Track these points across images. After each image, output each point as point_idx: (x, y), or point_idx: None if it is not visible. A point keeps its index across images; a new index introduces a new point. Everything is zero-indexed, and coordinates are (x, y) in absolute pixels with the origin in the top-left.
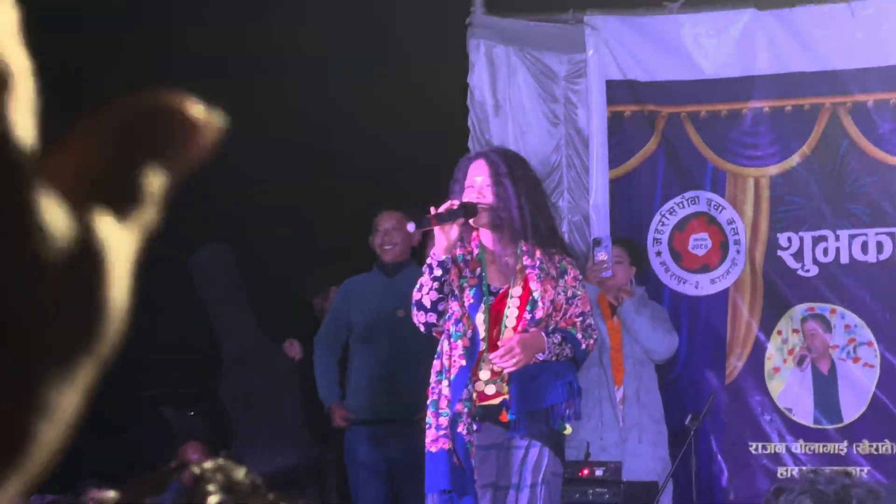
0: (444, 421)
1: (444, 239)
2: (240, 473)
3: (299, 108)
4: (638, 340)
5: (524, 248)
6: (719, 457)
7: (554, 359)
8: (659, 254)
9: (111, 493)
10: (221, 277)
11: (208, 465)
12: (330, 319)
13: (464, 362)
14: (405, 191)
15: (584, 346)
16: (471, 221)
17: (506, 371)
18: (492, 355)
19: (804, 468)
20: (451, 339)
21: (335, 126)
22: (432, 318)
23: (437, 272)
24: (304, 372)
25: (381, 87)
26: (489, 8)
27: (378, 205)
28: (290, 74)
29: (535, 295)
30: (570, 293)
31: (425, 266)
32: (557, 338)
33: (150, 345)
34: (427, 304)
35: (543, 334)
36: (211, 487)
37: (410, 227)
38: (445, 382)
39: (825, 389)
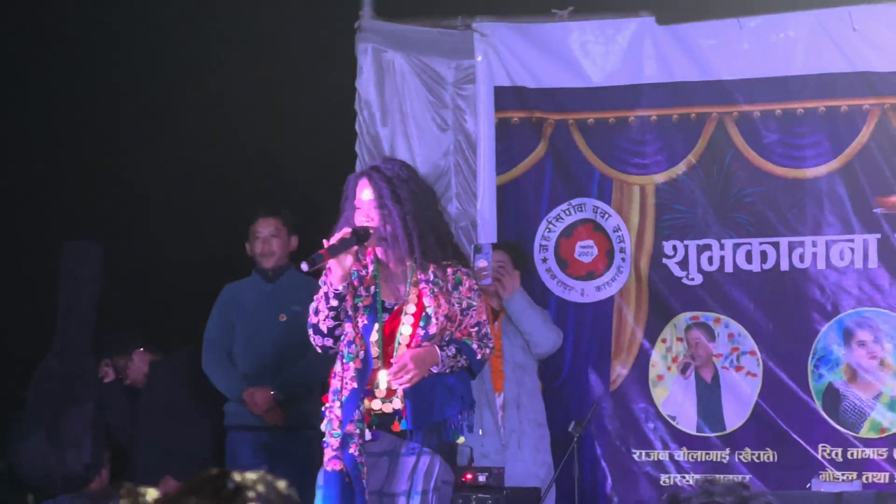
0: (336, 442)
1: (339, 269)
2: (281, 485)
3: (181, 110)
4: (526, 333)
5: (417, 264)
6: (603, 463)
7: (448, 371)
8: (545, 260)
9: (152, 492)
10: (80, 283)
11: (251, 475)
12: (214, 322)
13: (355, 384)
14: (290, 197)
15: (479, 357)
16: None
17: (400, 388)
18: (386, 372)
19: (691, 475)
20: (344, 361)
21: (219, 128)
22: (329, 342)
23: (333, 302)
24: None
25: (268, 90)
26: (378, 12)
27: (255, 210)
28: (175, 77)
29: (429, 311)
30: (465, 304)
31: (321, 292)
32: (452, 350)
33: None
34: (324, 329)
35: (437, 348)
36: (251, 494)
37: (304, 266)
38: (338, 403)
39: (708, 398)
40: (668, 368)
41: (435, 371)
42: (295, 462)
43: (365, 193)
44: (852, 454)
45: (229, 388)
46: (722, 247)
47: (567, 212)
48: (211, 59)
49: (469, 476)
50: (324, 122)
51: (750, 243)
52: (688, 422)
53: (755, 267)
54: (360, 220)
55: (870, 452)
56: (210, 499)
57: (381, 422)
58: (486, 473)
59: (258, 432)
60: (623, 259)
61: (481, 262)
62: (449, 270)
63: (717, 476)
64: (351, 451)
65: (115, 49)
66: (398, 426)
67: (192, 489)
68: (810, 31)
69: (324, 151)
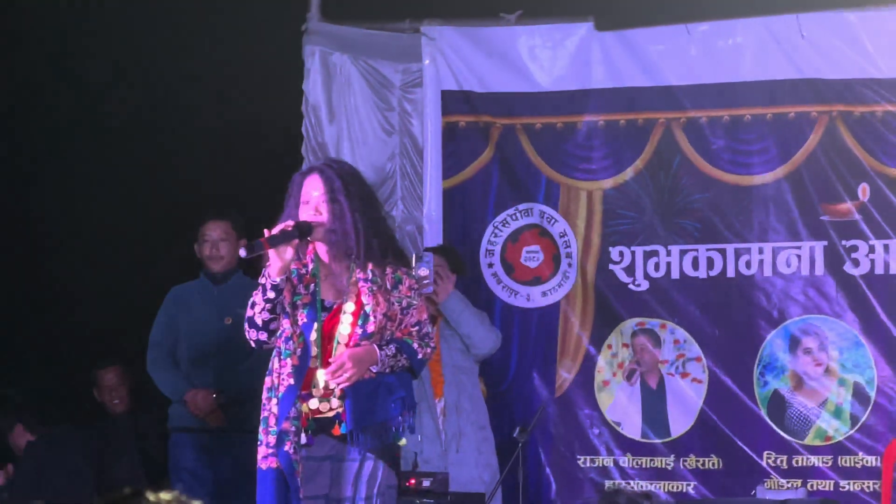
0: (272, 439)
1: (278, 260)
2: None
3: (126, 109)
4: (464, 334)
5: (357, 263)
6: (547, 469)
7: (388, 371)
8: (491, 265)
9: None
10: None
11: (165, 495)
12: (160, 325)
13: (292, 381)
14: (236, 198)
15: (420, 356)
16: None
17: (338, 387)
18: (324, 371)
19: (636, 482)
20: (281, 358)
21: (164, 130)
22: (263, 336)
23: (270, 294)
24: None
25: (213, 90)
26: (325, 14)
27: (204, 213)
28: (121, 72)
29: (367, 309)
30: (404, 303)
31: (259, 285)
32: (391, 349)
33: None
34: (259, 322)
35: (376, 347)
36: None
37: (242, 252)
38: (274, 401)
39: (653, 404)
40: (614, 374)
41: (374, 370)
42: (236, 463)
43: (314, 187)
44: (797, 461)
45: (172, 390)
46: (668, 253)
47: (514, 216)
48: (160, 62)
49: (413, 481)
50: (271, 124)
51: (696, 249)
52: (633, 428)
53: (702, 273)
54: (307, 215)
55: (815, 460)
56: None
57: (320, 426)
58: (431, 479)
59: (200, 434)
60: (569, 264)
61: (423, 271)
62: (388, 269)
63: (623, 485)
64: (286, 448)
65: (60, 51)
66: (339, 430)
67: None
68: (758, 38)
69: (271, 154)
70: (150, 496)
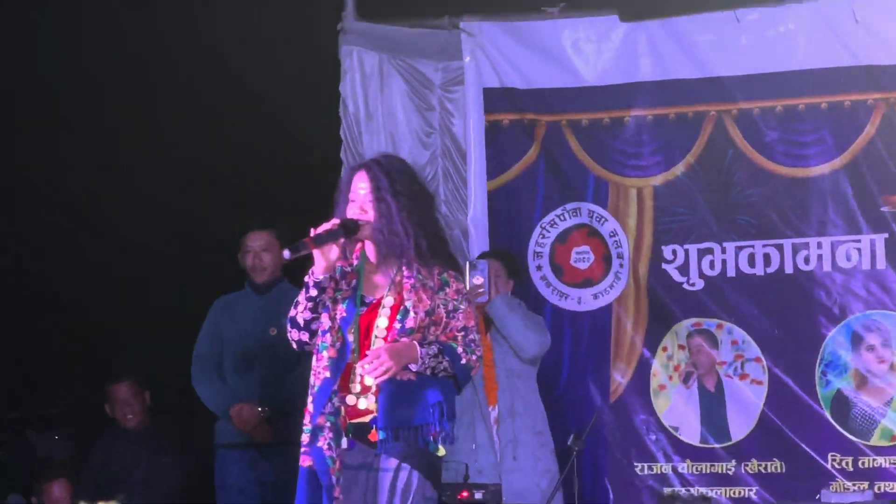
0: (307, 437)
1: (322, 260)
2: None
3: (167, 119)
4: (509, 336)
5: (403, 261)
6: (605, 477)
7: (429, 373)
8: (539, 268)
9: None
10: None
11: None
12: (205, 336)
13: (328, 374)
14: (278, 204)
15: (464, 361)
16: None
17: (375, 381)
18: (359, 363)
19: (696, 488)
20: (319, 352)
21: (204, 140)
22: (305, 336)
23: (313, 292)
24: None
25: (252, 97)
26: (361, 13)
27: (247, 224)
28: (163, 87)
29: (408, 304)
30: (451, 306)
31: (304, 284)
32: (433, 349)
33: (15, 369)
34: (300, 322)
35: (416, 344)
36: None
37: (286, 253)
38: (311, 398)
39: (712, 407)
40: (670, 378)
41: (414, 369)
42: (283, 478)
43: (361, 186)
44: (863, 463)
45: (217, 404)
46: (724, 250)
47: (561, 217)
48: (197, 68)
49: (465, 494)
50: (309, 128)
51: (752, 246)
52: (691, 433)
53: (758, 270)
54: (353, 212)
55: (881, 461)
56: None
57: (357, 430)
58: (483, 490)
59: (246, 450)
60: (621, 265)
61: (477, 279)
62: (435, 270)
63: (682, 492)
64: (319, 444)
65: (102, 57)
66: (376, 434)
67: None
68: (811, 24)
69: (311, 158)
70: None
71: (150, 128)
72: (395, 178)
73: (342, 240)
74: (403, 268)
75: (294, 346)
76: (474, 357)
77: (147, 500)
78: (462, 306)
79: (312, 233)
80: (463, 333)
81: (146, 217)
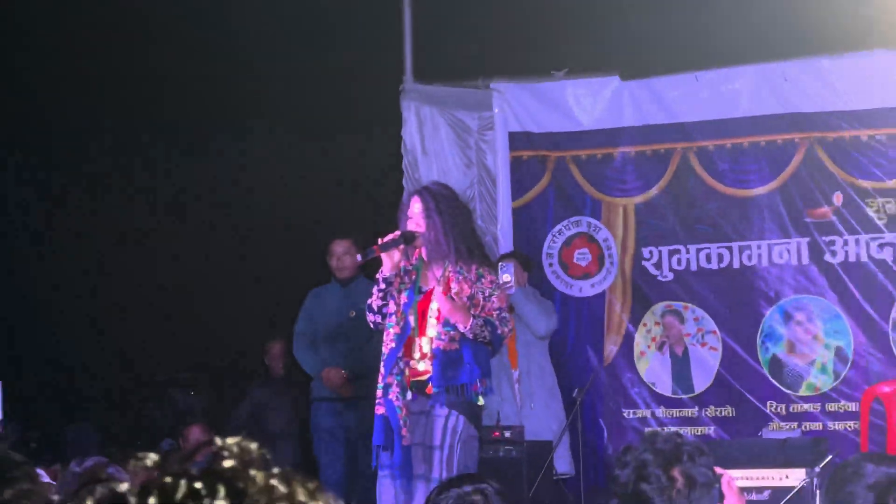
0: (379, 392)
1: (388, 261)
2: (252, 446)
3: (290, 161)
4: (526, 319)
5: (449, 261)
6: (600, 420)
7: (473, 337)
8: (551, 265)
9: (152, 456)
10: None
11: (229, 440)
12: (302, 318)
13: (393, 345)
14: (356, 219)
15: (499, 332)
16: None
17: (430, 351)
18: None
19: (668, 427)
20: (388, 329)
21: (307, 173)
22: (378, 318)
23: (382, 285)
24: None
25: (338, 142)
26: (417, 76)
27: (333, 233)
28: (248, 135)
29: (454, 291)
30: (487, 293)
31: (376, 280)
32: (480, 320)
33: (159, 340)
34: (375, 307)
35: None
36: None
37: (359, 257)
38: (382, 363)
39: (680, 368)
40: (648, 346)
41: (462, 330)
42: (362, 424)
43: (415, 206)
44: (793, 408)
45: (312, 368)
46: (688, 251)
47: (567, 227)
48: (292, 117)
49: (497, 433)
50: (379, 163)
51: (709, 247)
52: (665, 387)
53: (714, 266)
54: (411, 226)
55: (807, 406)
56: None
57: (417, 386)
58: (510, 430)
59: (333, 402)
60: (611, 263)
61: (505, 276)
62: (473, 267)
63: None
64: (389, 396)
65: (183, 97)
66: (431, 389)
67: (182, 457)
68: (753, 82)
69: (379, 185)
70: (219, 441)
71: (276, 166)
72: (440, 200)
73: (402, 246)
74: (449, 266)
75: (371, 325)
76: (506, 329)
77: (275, 429)
78: (496, 293)
79: (380, 241)
80: (497, 312)
81: (274, 229)
